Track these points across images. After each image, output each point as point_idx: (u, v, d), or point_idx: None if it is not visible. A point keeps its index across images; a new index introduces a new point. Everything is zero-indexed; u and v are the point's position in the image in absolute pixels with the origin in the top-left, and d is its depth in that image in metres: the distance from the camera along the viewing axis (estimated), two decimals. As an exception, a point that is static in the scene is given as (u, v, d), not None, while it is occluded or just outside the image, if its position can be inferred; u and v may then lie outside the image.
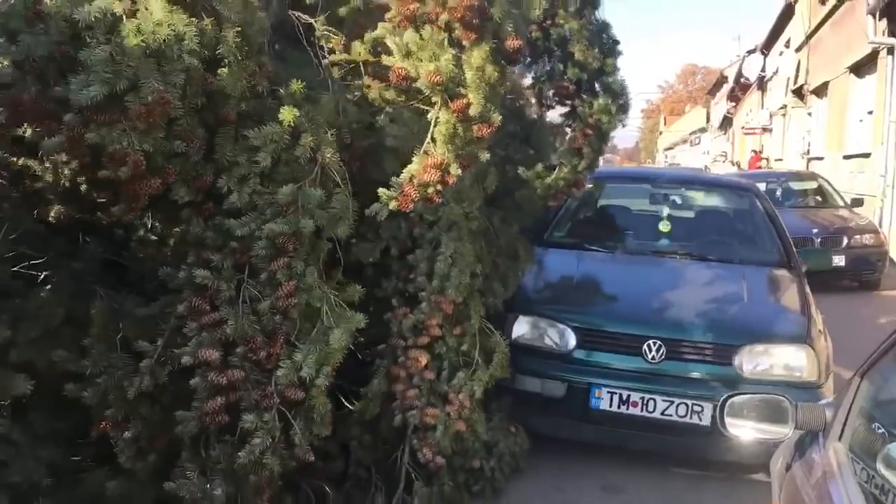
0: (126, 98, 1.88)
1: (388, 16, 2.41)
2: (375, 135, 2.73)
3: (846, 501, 1.86)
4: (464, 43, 2.31)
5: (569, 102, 4.16)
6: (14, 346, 1.83)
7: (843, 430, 2.24)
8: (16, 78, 1.94)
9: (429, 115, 2.39)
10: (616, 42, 4.32)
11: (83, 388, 1.98)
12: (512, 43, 2.31)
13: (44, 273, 2.18)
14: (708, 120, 44.45)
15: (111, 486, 2.01)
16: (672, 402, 3.99)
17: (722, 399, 3.80)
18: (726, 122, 37.26)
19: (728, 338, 4.06)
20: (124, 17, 1.93)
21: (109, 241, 2.31)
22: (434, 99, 2.31)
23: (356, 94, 2.85)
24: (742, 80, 30.27)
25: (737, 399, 3.80)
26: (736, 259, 5.15)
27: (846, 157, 15.32)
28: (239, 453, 1.99)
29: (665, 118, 64.56)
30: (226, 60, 2.05)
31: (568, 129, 4.08)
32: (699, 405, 3.91)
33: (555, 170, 4.02)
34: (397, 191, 2.29)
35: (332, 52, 2.67)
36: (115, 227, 2.32)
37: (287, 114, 2.08)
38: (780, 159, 22.97)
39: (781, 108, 23.94)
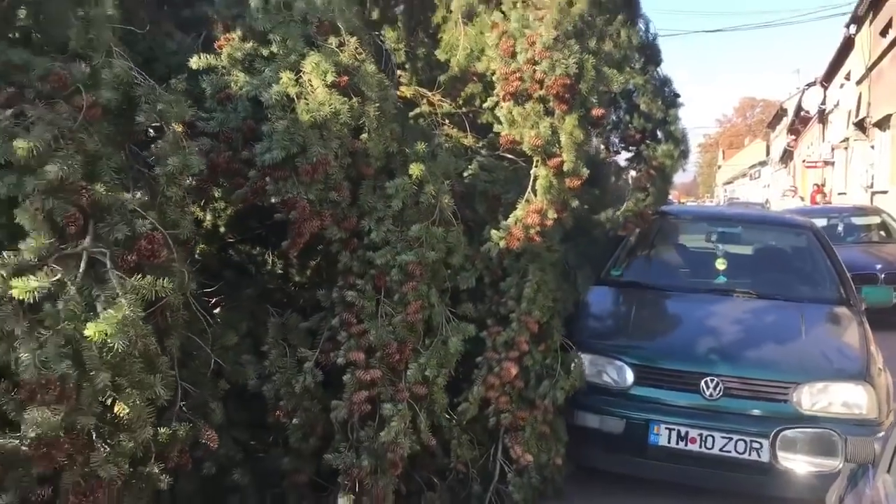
0: (296, 159, 2.51)
1: (495, 92, 3.03)
2: (469, 180, 3.35)
3: None
4: (557, 112, 2.91)
5: (633, 148, 4.72)
6: (213, 350, 2.45)
7: (891, 463, 2.27)
8: (213, 146, 2.59)
9: (531, 171, 3.00)
10: (677, 95, 4.92)
11: (262, 384, 2.60)
12: (596, 112, 2.90)
13: (220, 296, 2.82)
14: (768, 153, 44.12)
15: (285, 461, 2.61)
16: (730, 439, 4.02)
17: (773, 433, 3.85)
18: (787, 156, 37.02)
19: (786, 375, 4.08)
20: (296, 98, 2.58)
21: (272, 274, 2.94)
22: (535, 158, 2.91)
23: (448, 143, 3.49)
24: (802, 113, 30.18)
25: (788, 433, 3.85)
26: (793, 297, 5.14)
27: (912, 191, 14.99)
28: (380, 434, 2.56)
29: (723, 152, 64.18)
30: (367, 129, 2.68)
31: (633, 171, 4.60)
32: (758, 442, 3.95)
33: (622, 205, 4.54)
34: (506, 232, 2.89)
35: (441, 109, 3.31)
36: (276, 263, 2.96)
37: (415, 169, 2.70)
38: (844, 193, 22.80)
39: (843, 141, 23.84)
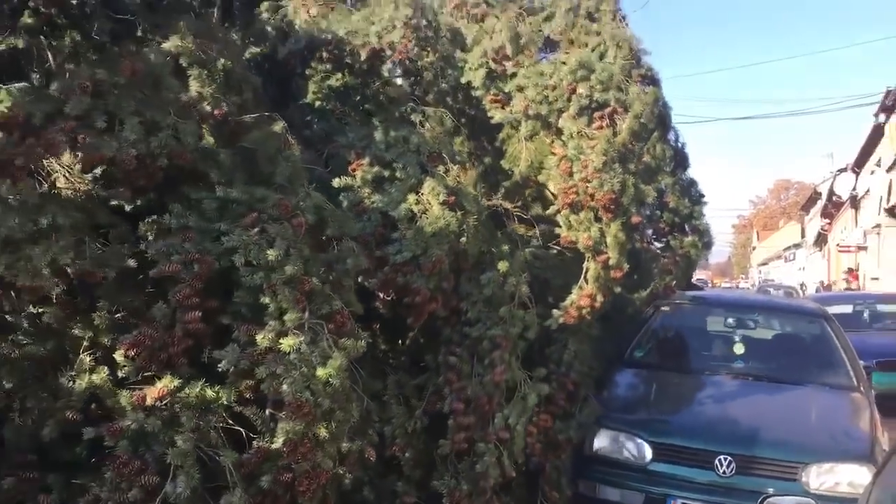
0: (419, 258, 3.49)
1: (555, 204, 4.03)
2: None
3: None
4: (604, 219, 3.90)
5: (664, 239, 5.68)
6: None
7: None
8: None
9: (583, 264, 3.98)
10: (702, 195, 5.93)
11: (383, 426, 3.51)
12: (635, 219, 3.88)
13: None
14: (803, 235, 44.74)
15: (398, 485, 3.50)
16: None
17: (760, 500, 4.26)
18: (821, 239, 37.61)
19: (795, 455, 4.40)
20: (418, 214, 3.58)
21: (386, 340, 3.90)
22: (587, 254, 3.89)
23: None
24: (834, 198, 30.96)
25: (773, 499, 4.28)
26: (805, 381, 5.50)
27: (942, 277, 15.40)
28: (475, 466, 3.46)
29: (758, 233, 64.88)
30: (467, 234, 3.67)
31: (665, 258, 5.53)
32: None
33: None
34: (564, 311, 3.85)
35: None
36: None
37: (502, 265, 3.68)
38: (877, 278, 23.37)
39: (875, 226, 24.55)
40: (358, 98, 5.13)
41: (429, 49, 4.89)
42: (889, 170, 22.36)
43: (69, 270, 2.44)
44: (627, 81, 4.58)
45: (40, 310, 2.57)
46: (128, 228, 2.75)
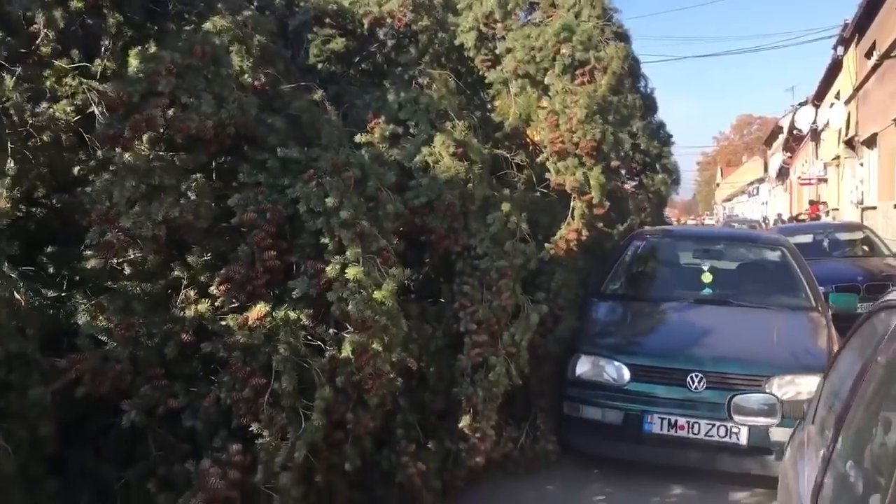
0: (434, 202, 4.20)
1: (546, 151, 4.78)
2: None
3: (810, 464, 2.48)
4: (588, 164, 4.66)
5: (637, 178, 6.47)
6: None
7: (813, 416, 2.93)
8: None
9: (569, 205, 4.75)
10: (670, 136, 6.73)
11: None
12: (613, 164, 4.64)
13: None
14: (766, 170, 45.99)
15: (427, 394, 4.27)
16: (713, 425, 4.84)
17: (727, 398, 4.79)
18: (783, 173, 38.83)
19: (759, 370, 4.89)
20: (431, 165, 4.28)
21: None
22: (573, 195, 4.65)
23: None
24: (795, 131, 31.95)
25: (739, 398, 4.81)
26: (767, 304, 5.98)
27: (897, 206, 16.24)
28: (488, 376, 4.25)
29: (722, 169, 66.26)
30: (473, 181, 4.39)
31: (639, 196, 6.33)
32: (737, 427, 4.81)
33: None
34: (554, 244, 4.63)
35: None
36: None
37: (504, 206, 4.43)
38: (836, 209, 24.43)
39: (835, 158, 25.49)
40: (357, 60, 5.77)
41: (423, 14, 5.52)
42: (847, 102, 23.00)
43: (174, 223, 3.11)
44: (602, 40, 5.29)
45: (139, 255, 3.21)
46: (209, 186, 3.42)
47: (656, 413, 4.98)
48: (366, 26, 5.40)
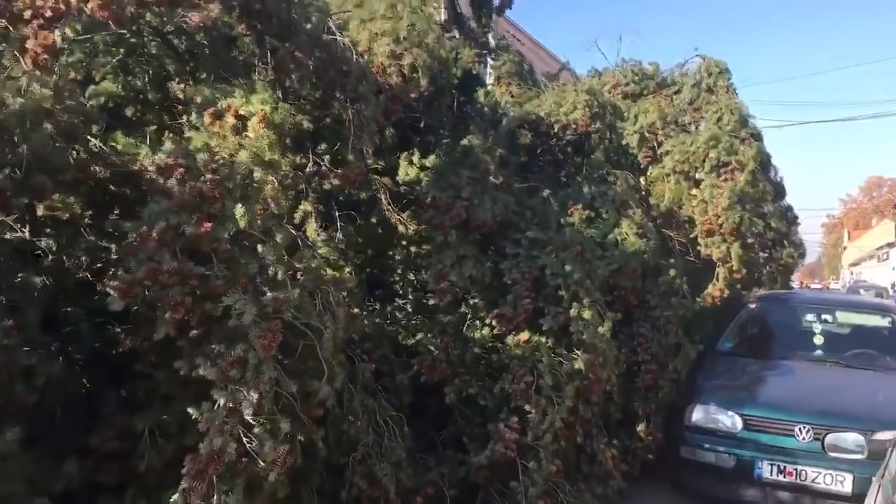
0: (623, 267, 6.17)
1: (697, 229, 6.73)
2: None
3: None
4: (729, 240, 6.56)
5: (768, 251, 8.27)
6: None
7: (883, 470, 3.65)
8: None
9: (714, 271, 6.66)
10: (796, 217, 8.52)
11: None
12: (750, 241, 6.53)
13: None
14: (897, 234, 45.61)
15: (612, 405, 6.19)
16: (819, 473, 5.50)
17: (831, 449, 5.54)
18: (915, 238, 38.68)
19: (862, 424, 5.53)
20: (619, 240, 6.27)
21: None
22: (718, 263, 6.56)
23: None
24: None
25: (841, 449, 5.53)
26: (876, 367, 6.66)
27: None
28: (659, 394, 6.13)
29: (849, 232, 65.36)
30: (650, 253, 6.35)
31: (769, 267, 8.12)
32: (841, 475, 5.45)
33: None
34: (703, 299, 6.53)
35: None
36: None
37: (671, 271, 6.37)
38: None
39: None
40: (539, 153, 7.85)
41: (598, 120, 7.58)
42: None
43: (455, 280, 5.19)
44: (741, 143, 7.22)
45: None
46: (481, 255, 5.50)
47: (766, 460, 5.69)
48: (556, 130, 7.48)
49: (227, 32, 4.83)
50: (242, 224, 3.23)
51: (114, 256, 3.79)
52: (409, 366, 4.98)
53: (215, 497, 2.92)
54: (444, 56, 6.14)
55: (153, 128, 4.64)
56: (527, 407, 4.94)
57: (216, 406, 2.93)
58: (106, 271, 4.11)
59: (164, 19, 4.15)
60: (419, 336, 5.16)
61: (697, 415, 6.10)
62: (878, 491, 3.65)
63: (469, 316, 5.44)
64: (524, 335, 5.18)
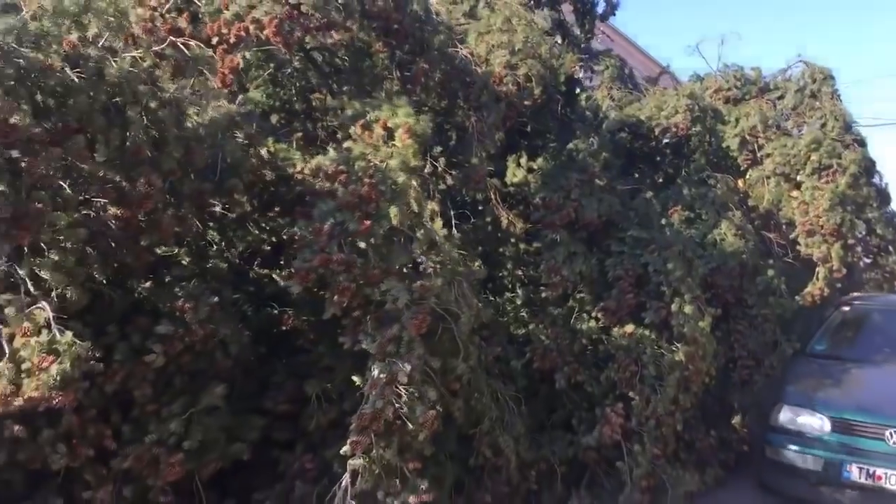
0: (721, 266, 6.55)
1: (797, 230, 7.04)
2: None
3: None
4: (830, 241, 6.86)
5: (872, 256, 8.44)
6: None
7: None
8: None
9: (814, 270, 6.96)
10: None
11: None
12: (851, 241, 6.80)
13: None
14: None
15: (709, 398, 6.58)
16: None
17: None
18: None
19: None
20: (719, 240, 6.65)
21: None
22: (818, 263, 6.86)
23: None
24: None
25: None
26: None
27: None
28: (753, 388, 6.49)
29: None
30: (748, 253, 6.70)
31: (874, 273, 8.29)
32: None
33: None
34: (803, 298, 6.85)
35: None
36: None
37: (769, 272, 6.70)
38: None
39: None
40: (648, 160, 8.22)
41: (699, 123, 7.91)
42: None
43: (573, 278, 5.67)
44: (844, 147, 7.46)
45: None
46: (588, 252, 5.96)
47: (855, 462, 5.69)
48: (656, 133, 7.86)
49: (365, 49, 5.44)
50: (395, 222, 3.80)
51: (274, 248, 4.46)
52: (523, 353, 5.49)
53: (374, 451, 3.51)
54: (553, 65, 6.63)
55: (299, 135, 5.32)
56: (631, 394, 5.41)
57: (377, 375, 3.51)
58: (266, 260, 4.81)
59: (316, 40, 4.74)
60: (531, 327, 5.66)
61: (784, 415, 6.15)
62: None
63: (576, 309, 5.93)
64: (628, 328, 5.64)
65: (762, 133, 7.71)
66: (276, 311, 4.57)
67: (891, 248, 8.28)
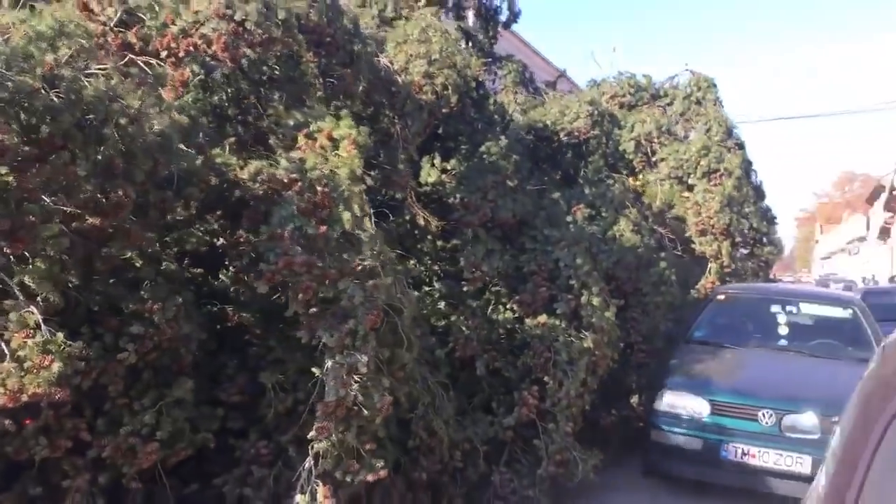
0: (620, 260, 7.27)
1: (690, 229, 7.84)
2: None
3: None
4: (720, 239, 7.68)
5: (749, 247, 9.41)
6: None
7: None
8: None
9: (706, 266, 7.79)
10: (774, 217, 9.69)
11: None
12: (738, 239, 7.65)
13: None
14: (867, 229, 47.32)
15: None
16: (781, 455, 5.95)
17: (793, 433, 6.03)
18: (885, 233, 40.38)
19: (823, 410, 5.94)
20: (617, 236, 7.36)
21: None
22: (710, 259, 7.68)
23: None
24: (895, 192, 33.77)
25: (803, 433, 6.02)
26: (837, 356, 7.09)
27: None
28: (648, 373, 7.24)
29: (821, 226, 67.36)
30: (644, 247, 7.44)
31: (750, 263, 9.27)
32: (801, 458, 5.89)
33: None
34: (697, 291, 7.66)
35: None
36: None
37: (662, 264, 7.48)
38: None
39: (936, 221, 27.57)
40: (550, 161, 8.88)
41: (598, 128, 8.64)
42: None
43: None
44: (728, 151, 8.34)
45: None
46: (503, 249, 6.52)
47: (732, 442, 6.18)
48: (560, 136, 8.52)
49: (295, 58, 5.78)
50: (347, 226, 4.21)
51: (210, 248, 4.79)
52: (445, 343, 5.99)
53: (334, 435, 3.93)
54: (468, 74, 7.15)
55: (231, 139, 5.62)
56: (545, 378, 6.00)
57: (337, 366, 3.92)
58: (201, 260, 5.10)
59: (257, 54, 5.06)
60: (452, 318, 6.17)
61: (667, 400, 6.61)
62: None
63: (493, 301, 6.47)
64: (542, 318, 6.23)
65: (656, 139, 8.50)
66: (216, 309, 4.89)
67: (765, 239, 9.27)
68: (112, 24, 4.45)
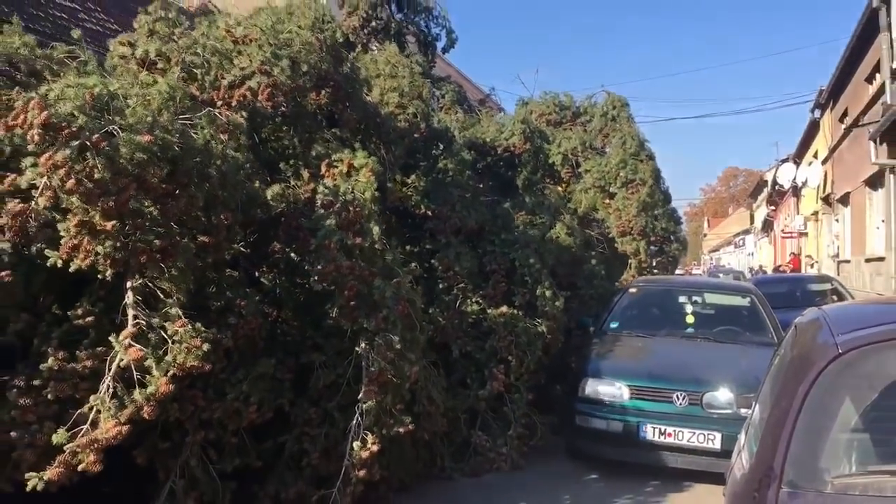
0: (558, 258, 8.87)
1: (612, 231, 9.55)
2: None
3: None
4: (638, 239, 9.42)
5: (657, 245, 11.22)
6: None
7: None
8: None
9: (627, 262, 9.51)
10: (679, 217, 11.54)
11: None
12: (653, 239, 9.40)
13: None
14: (752, 222, 50.92)
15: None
16: (694, 433, 6.51)
17: (705, 412, 6.63)
18: (768, 225, 43.82)
19: (728, 389, 6.65)
20: (555, 238, 8.95)
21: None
22: (630, 256, 9.41)
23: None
24: (777, 186, 36.80)
25: (713, 411, 6.65)
26: (739, 341, 7.87)
27: (867, 261, 19.22)
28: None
29: (708, 220, 71.71)
30: (577, 247, 9.07)
31: (660, 259, 11.09)
32: (712, 434, 6.47)
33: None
34: (620, 283, 9.36)
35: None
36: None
37: (592, 261, 9.13)
38: (816, 262, 28.89)
39: (814, 214, 29.96)
40: (479, 168, 10.38)
41: (530, 143, 10.22)
42: (824, 162, 27.16)
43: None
44: (641, 162, 10.08)
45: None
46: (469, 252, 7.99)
47: (649, 424, 6.71)
48: (498, 151, 10.06)
49: (302, 97, 7.06)
50: (376, 237, 5.57)
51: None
52: (425, 331, 7.41)
53: (376, 399, 5.29)
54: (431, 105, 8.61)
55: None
56: (509, 357, 7.51)
57: (378, 344, 5.28)
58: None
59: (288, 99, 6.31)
60: (430, 311, 7.59)
61: (589, 387, 7.20)
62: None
63: (460, 296, 7.93)
64: (503, 308, 7.74)
65: (580, 153, 10.17)
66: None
67: (672, 237, 11.09)
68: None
